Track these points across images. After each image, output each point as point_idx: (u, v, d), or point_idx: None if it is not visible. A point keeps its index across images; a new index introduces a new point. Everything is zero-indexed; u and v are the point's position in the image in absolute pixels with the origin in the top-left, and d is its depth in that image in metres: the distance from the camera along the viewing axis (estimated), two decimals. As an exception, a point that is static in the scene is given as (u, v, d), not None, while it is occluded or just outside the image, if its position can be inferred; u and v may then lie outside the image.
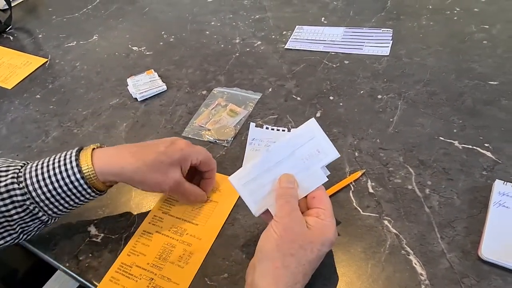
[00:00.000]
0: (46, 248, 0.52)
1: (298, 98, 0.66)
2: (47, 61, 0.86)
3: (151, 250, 0.49)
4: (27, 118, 0.72)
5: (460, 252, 0.43)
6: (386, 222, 0.47)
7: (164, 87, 0.72)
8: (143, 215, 0.54)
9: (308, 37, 0.78)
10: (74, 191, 0.44)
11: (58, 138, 0.67)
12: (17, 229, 0.45)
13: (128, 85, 0.73)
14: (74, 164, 0.44)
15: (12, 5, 1.03)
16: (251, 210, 0.44)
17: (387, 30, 0.76)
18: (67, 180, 0.43)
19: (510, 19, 0.72)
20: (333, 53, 0.74)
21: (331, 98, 0.65)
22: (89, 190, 0.45)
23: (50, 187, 0.43)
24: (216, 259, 0.47)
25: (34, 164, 0.45)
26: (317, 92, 0.66)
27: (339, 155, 0.43)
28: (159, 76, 0.75)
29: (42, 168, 0.44)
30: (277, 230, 0.39)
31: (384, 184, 0.51)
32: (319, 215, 0.40)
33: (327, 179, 0.42)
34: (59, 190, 0.44)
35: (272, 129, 0.61)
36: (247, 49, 0.79)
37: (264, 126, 0.62)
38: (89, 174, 0.44)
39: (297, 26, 0.82)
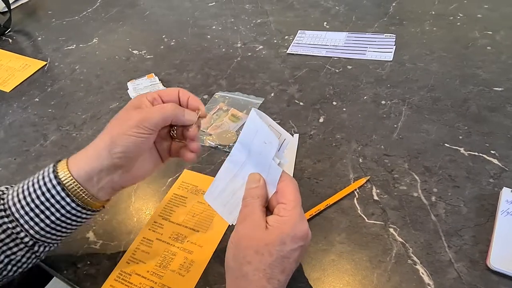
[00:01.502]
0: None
1: (301, 103, 0.65)
2: (46, 64, 0.86)
3: (151, 258, 0.48)
4: (26, 122, 0.71)
5: (468, 262, 0.42)
6: (391, 230, 0.46)
7: (164, 91, 0.71)
8: (143, 221, 0.52)
9: (310, 42, 0.78)
10: (52, 201, 0.39)
11: (56, 142, 0.66)
12: (2, 257, 0.40)
13: (128, 89, 0.73)
14: (50, 170, 0.40)
15: (11, 7, 1.02)
16: (227, 220, 0.42)
17: (390, 36, 0.75)
18: (43, 189, 0.39)
19: (514, 25, 0.72)
20: (335, 58, 0.73)
21: (334, 103, 0.64)
22: (68, 200, 0.39)
23: (28, 199, 0.39)
24: (218, 267, 0.46)
25: (18, 185, 0.41)
26: (320, 97, 0.65)
27: (289, 137, 0.38)
28: (159, 80, 0.74)
29: (23, 184, 0.41)
30: (233, 239, 0.37)
31: (389, 191, 0.50)
32: (279, 211, 0.36)
33: (281, 169, 0.37)
34: (37, 202, 0.39)
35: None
36: (249, 54, 0.78)
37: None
38: (69, 182, 0.39)
39: (299, 31, 0.81)
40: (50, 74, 0.83)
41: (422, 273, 0.42)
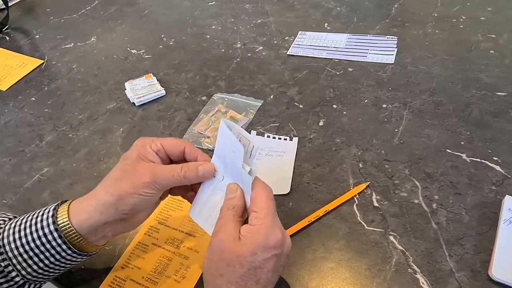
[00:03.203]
0: (37, 259, 0.50)
1: (301, 106, 0.64)
2: (43, 63, 0.84)
3: (147, 263, 0.47)
4: (21, 121, 0.70)
5: (470, 272, 0.41)
6: (391, 238, 0.45)
7: (162, 92, 0.70)
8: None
9: (311, 43, 0.77)
10: (48, 246, 0.38)
11: (52, 143, 0.65)
12: None
13: (125, 89, 0.72)
14: (50, 214, 0.38)
15: (9, 4, 1.01)
16: (210, 233, 0.40)
17: (392, 38, 0.74)
18: (40, 233, 0.38)
19: (517, 29, 0.71)
20: (336, 60, 0.72)
21: (335, 106, 0.63)
22: (64, 247, 0.38)
23: (24, 240, 0.38)
24: (214, 274, 0.45)
25: (15, 219, 0.40)
26: (320, 100, 0.64)
27: (257, 144, 0.37)
28: (157, 80, 0.73)
29: (21, 220, 0.39)
30: (207, 253, 0.36)
31: (389, 197, 0.49)
32: (251, 220, 0.35)
33: (251, 176, 0.37)
34: (32, 245, 0.38)
35: (274, 138, 0.59)
36: (249, 54, 0.77)
37: (266, 135, 0.60)
38: (67, 230, 0.38)
39: (299, 32, 0.80)
40: (47, 73, 0.81)
41: (423, 283, 0.41)
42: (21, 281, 0.39)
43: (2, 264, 0.38)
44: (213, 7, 0.94)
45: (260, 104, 0.65)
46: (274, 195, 0.45)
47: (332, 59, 0.72)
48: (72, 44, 0.89)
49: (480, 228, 0.45)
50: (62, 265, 0.40)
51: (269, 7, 0.90)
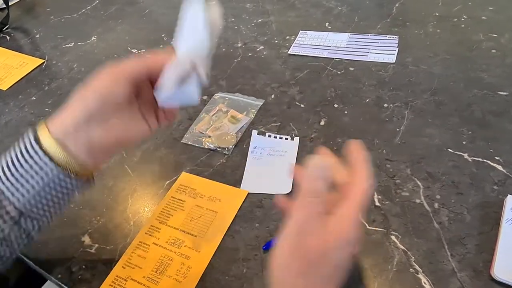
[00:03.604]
0: (38, 258, 0.50)
1: (302, 105, 0.64)
2: (44, 62, 0.84)
3: (148, 263, 0.47)
4: (22, 121, 0.70)
5: (472, 271, 0.41)
6: (393, 238, 0.45)
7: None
8: (140, 225, 0.51)
9: (312, 43, 0.76)
10: (36, 167, 0.37)
11: (53, 142, 0.65)
12: None
13: (126, 89, 0.71)
14: (31, 135, 0.37)
15: (9, 4, 1.01)
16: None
17: (393, 37, 0.74)
18: (26, 156, 0.37)
19: (519, 28, 0.71)
20: (337, 59, 0.72)
21: (336, 105, 0.63)
22: (51, 165, 0.37)
23: (13, 169, 0.37)
24: (215, 274, 0.45)
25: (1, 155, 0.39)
26: (321, 99, 0.64)
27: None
28: (158, 79, 0.72)
29: (5, 154, 0.38)
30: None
31: (391, 197, 0.49)
32: (335, 209, 0.30)
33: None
34: (21, 170, 0.37)
35: (275, 137, 0.59)
36: (250, 54, 0.77)
37: (267, 134, 0.60)
38: (48, 143, 0.37)
39: (300, 31, 0.80)
40: (48, 73, 0.81)
41: (424, 283, 0.41)
42: (17, 216, 0.38)
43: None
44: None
45: (261, 104, 0.65)
46: (275, 194, 0.45)
47: (333, 58, 0.72)
48: (73, 43, 0.89)
49: (482, 228, 0.45)
50: (54, 192, 0.38)
51: (269, 6, 0.90)
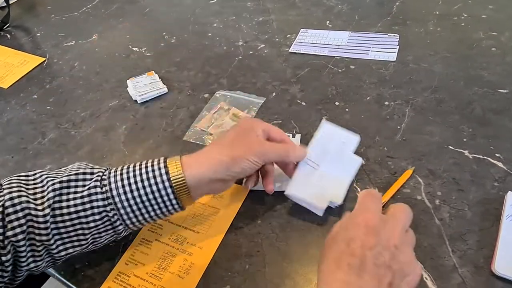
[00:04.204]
0: (40, 255, 0.50)
1: (303, 103, 0.64)
2: (45, 61, 0.85)
3: (150, 259, 0.47)
4: (23, 119, 0.70)
5: (473, 267, 0.42)
6: (395, 234, 0.46)
7: (165, 89, 0.70)
8: (142, 222, 0.52)
9: (312, 41, 0.77)
10: (159, 200, 0.41)
11: (55, 140, 0.65)
12: (89, 239, 0.42)
13: (128, 87, 0.72)
14: (161, 166, 0.42)
15: (10, 2, 1.01)
16: (317, 210, 0.47)
17: (394, 35, 0.74)
18: (154, 188, 0.41)
19: (519, 27, 0.71)
20: (338, 57, 0.72)
21: (337, 103, 0.63)
22: (173, 201, 0.42)
23: (136, 193, 0.41)
24: (218, 270, 0.45)
25: (119, 169, 0.42)
26: (322, 97, 0.65)
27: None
28: (160, 78, 0.73)
29: (128, 173, 0.42)
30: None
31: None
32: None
33: (360, 159, 0.49)
34: (144, 198, 0.41)
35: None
36: (251, 52, 0.77)
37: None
38: (178, 182, 0.41)
39: (301, 30, 0.80)
40: (49, 71, 0.81)
41: (426, 278, 0.41)
42: (121, 230, 0.43)
43: (110, 214, 0.41)
44: (214, 5, 0.94)
45: (263, 102, 0.65)
46: (277, 192, 0.46)
47: (334, 56, 0.72)
48: (74, 42, 0.89)
49: (483, 224, 0.45)
50: (160, 218, 0.44)
51: (270, 5, 0.90)
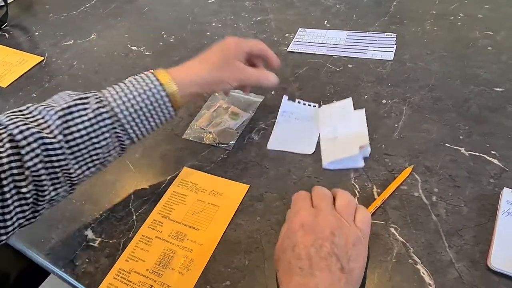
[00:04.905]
0: (41, 252, 0.50)
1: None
2: (43, 60, 0.85)
3: (151, 256, 0.48)
4: (23, 117, 0.70)
5: (469, 262, 0.42)
6: (392, 230, 0.46)
7: (164, 88, 0.70)
8: (142, 219, 0.52)
9: (311, 40, 0.77)
10: (158, 109, 0.47)
11: (54, 139, 0.65)
12: (100, 158, 0.45)
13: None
14: (156, 83, 0.46)
15: (8, 1, 1.01)
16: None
17: (391, 35, 0.75)
18: (152, 99, 0.46)
19: (514, 26, 0.72)
20: (336, 56, 0.73)
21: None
22: (171, 110, 0.48)
23: (137, 107, 0.45)
24: (217, 266, 0.46)
25: (113, 90, 0.46)
26: (321, 95, 0.65)
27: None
28: (159, 76, 0.73)
29: (123, 90, 0.46)
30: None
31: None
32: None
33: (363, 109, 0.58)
34: (145, 110, 0.46)
35: (304, 104, 0.64)
36: (249, 51, 0.77)
37: (296, 100, 0.64)
38: (172, 90, 0.47)
39: (299, 29, 0.81)
40: (48, 70, 0.82)
41: (423, 273, 0.42)
42: (128, 143, 0.47)
43: (118, 130, 0.45)
44: (212, 5, 0.95)
45: (261, 100, 0.66)
46: (298, 153, 0.56)
47: (332, 55, 0.73)
48: (72, 41, 0.89)
49: (479, 219, 0.46)
50: (160, 123, 0.49)
51: (269, 4, 0.91)
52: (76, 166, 0.43)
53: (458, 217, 0.46)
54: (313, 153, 0.56)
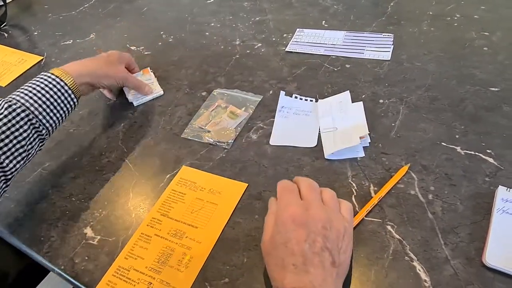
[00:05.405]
0: (41, 250, 0.51)
1: (299, 101, 0.65)
2: (42, 59, 0.85)
3: (150, 254, 0.48)
4: (22, 117, 0.70)
5: (464, 259, 0.43)
6: (389, 227, 0.47)
7: (161, 92, 0.71)
8: (141, 217, 0.52)
9: (309, 40, 0.78)
10: (62, 97, 0.54)
11: (53, 138, 0.65)
12: (27, 151, 0.51)
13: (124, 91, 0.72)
14: (53, 76, 0.55)
15: (7, 1, 1.01)
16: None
17: (388, 35, 0.76)
18: (55, 89, 0.54)
19: (511, 27, 0.73)
20: (334, 56, 0.73)
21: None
22: (73, 97, 0.56)
23: (44, 98, 0.52)
24: (216, 264, 0.46)
25: (16, 92, 0.52)
26: (319, 95, 0.66)
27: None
28: (157, 76, 0.73)
29: (26, 89, 0.52)
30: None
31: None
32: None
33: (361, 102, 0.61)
34: (52, 100, 0.53)
35: (301, 99, 0.65)
36: (247, 51, 0.78)
37: (293, 95, 0.66)
38: (71, 82, 0.56)
39: (297, 29, 0.81)
40: (47, 69, 0.81)
41: (419, 270, 0.43)
42: (45, 133, 0.54)
43: (33, 121, 0.51)
44: (211, 5, 0.95)
45: (260, 100, 0.66)
46: (302, 147, 0.58)
47: (330, 55, 0.74)
48: (71, 41, 0.90)
49: (474, 217, 0.46)
50: (67, 112, 0.57)
51: (267, 5, 0.91)
52: (7, 161, 0.48)
53: (454, 215, 0.47)
54: (315, 146, 0.57)
